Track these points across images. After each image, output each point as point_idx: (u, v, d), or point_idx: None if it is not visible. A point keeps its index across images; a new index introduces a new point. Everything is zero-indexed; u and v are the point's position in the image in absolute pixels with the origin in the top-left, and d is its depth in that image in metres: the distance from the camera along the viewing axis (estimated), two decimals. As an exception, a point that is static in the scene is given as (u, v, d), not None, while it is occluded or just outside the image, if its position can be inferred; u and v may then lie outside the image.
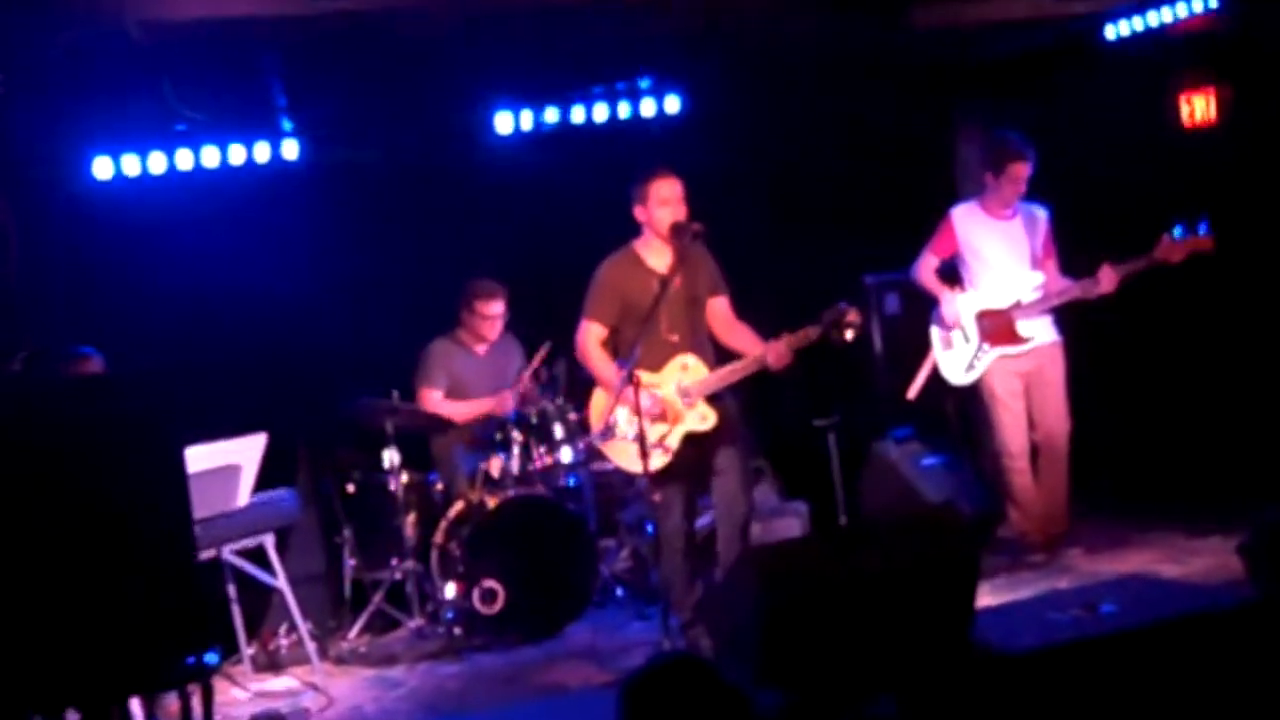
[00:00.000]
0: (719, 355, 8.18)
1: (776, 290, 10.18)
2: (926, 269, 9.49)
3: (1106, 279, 9.03)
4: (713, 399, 8.03)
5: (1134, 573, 8.35)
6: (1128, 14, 10.53)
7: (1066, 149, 10.28)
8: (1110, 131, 10.75)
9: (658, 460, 7.83)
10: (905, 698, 3.08)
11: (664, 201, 8.00)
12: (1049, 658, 6.37)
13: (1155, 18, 10.39)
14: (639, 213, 8.10)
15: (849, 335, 7.91)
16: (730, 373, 8.04)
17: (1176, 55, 10.61)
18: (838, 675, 6.08)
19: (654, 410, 7.86)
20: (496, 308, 9.74)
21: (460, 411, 9.65)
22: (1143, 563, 8.77)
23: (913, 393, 9.65)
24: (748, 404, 8.51)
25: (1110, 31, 10.70)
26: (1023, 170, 9.21)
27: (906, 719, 2.91)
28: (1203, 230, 8.90)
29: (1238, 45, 10.14)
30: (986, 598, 7.39)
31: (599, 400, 8.16)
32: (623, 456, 8.06)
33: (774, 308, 9.54)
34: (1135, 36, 10.59)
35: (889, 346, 10.71)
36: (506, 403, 9.59)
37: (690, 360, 8.05)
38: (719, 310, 8.21)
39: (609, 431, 7.97)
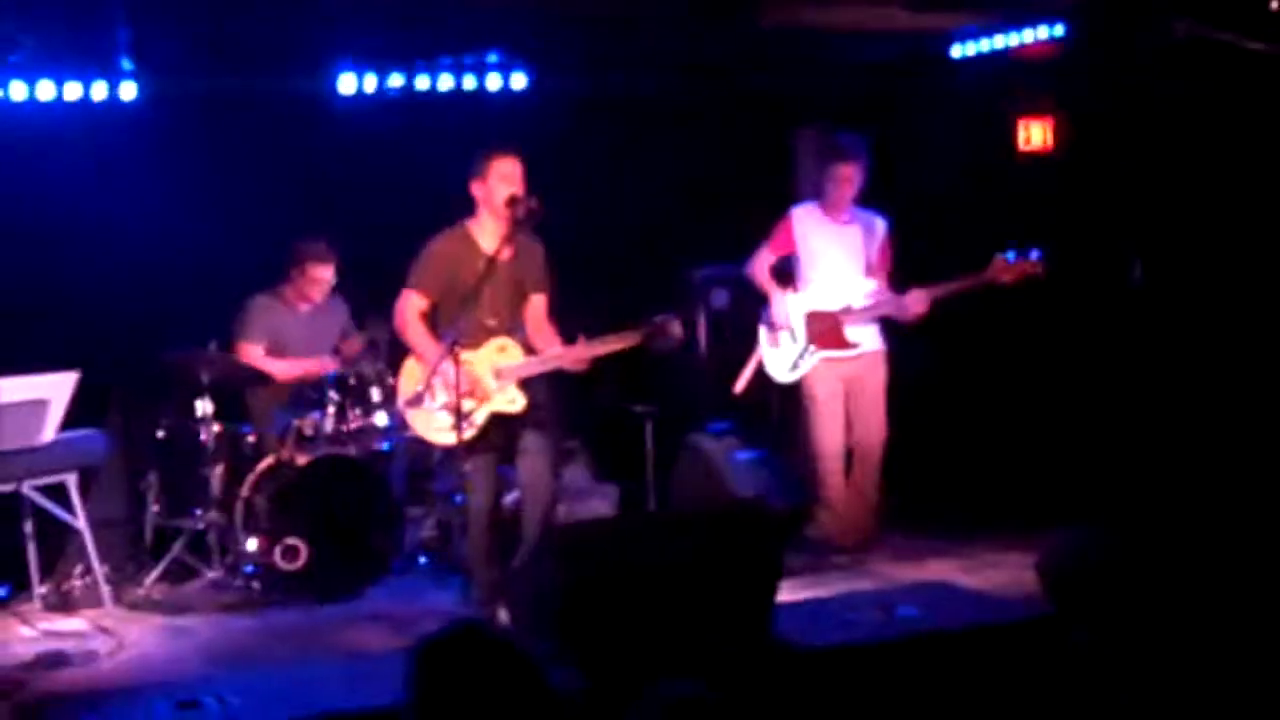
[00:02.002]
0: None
1: (608, 275, 10.21)
2: (761, 266, 9.54)
3: (914, 301, 9.15)
4: (523, 383, 8.04)
5: (933, 580, 8.48)
6: (975, 35, 10.66)
7: (906, 163, 10.40)
8: (949, 150, 10.89)
9: (463, 434, 7.81)
10: (706, 680, 3.10)
11: (504, 178, 7.96)
12: (845, 655, 6.45)
13: (1001, 40, 10.52)
14: (476, 188, 8.05)
15: (669, 346, 8.00)
16: (540, 363, 8.05)
17: (1017, 80, 10.75)
18: (635, 657, 6.11)
19: (464, 386, 7.83)
20: (327, 272, 9.66)
21: (281, 370, 9.55)
22: (943, 571, 8.88)
23: (739, 387, 9.70)
24: (566, 383, 8.52)
25: (956, 50, 10.82)
26: (846, 171, 9.28)
27: (705, 697, 2.94)
28: (1034, 255, 9.03)
29: (1077, 74, 10.28)
30: (789, 594, 7.45)
31: (411, 369, 8.14)
32: (425, 426, 8.06)
33: (604, 293, 9.60)
34: (980, 58, 10.74)
35: (714, 340, 10.74)
36: (328, 367, 9.53)
37: (507, 343, 8.06)
38: (535, 307, 8.23)
39: (417, 400, 7.94)
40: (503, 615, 7.82)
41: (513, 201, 7.88)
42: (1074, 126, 10.57)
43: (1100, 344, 10.20)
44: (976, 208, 10.50)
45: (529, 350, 8.11)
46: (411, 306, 8.10)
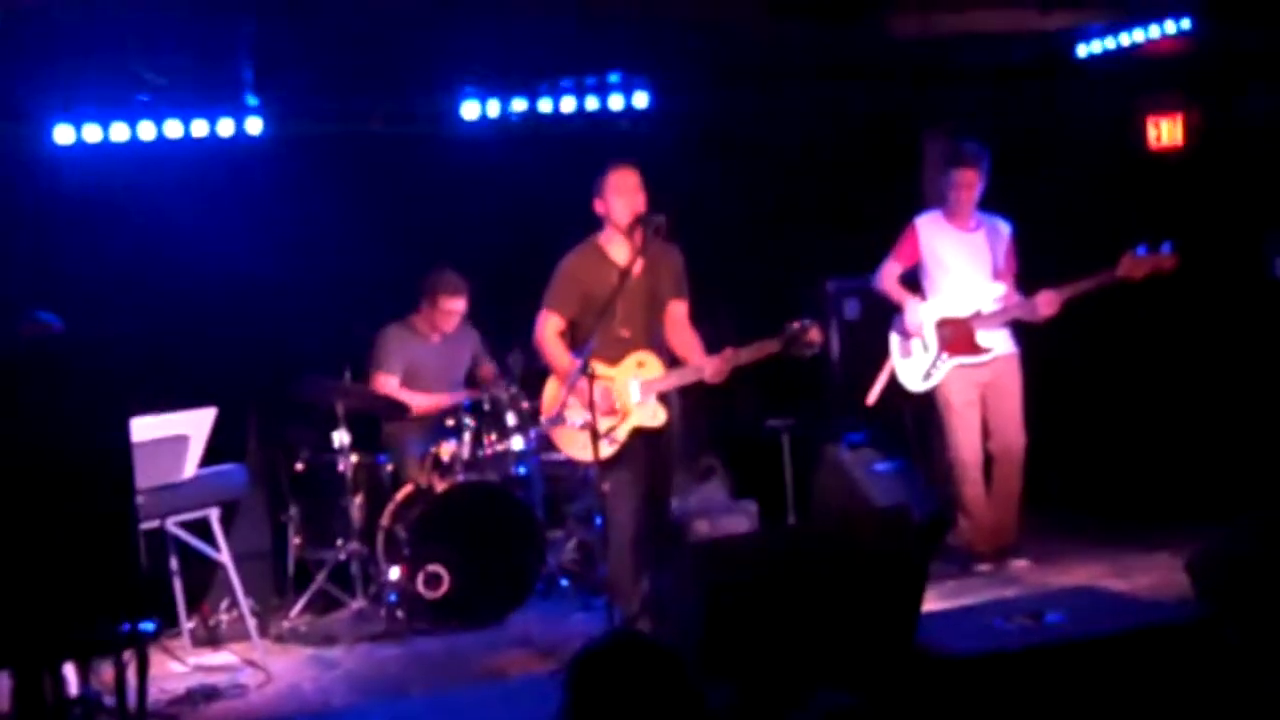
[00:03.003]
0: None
1: (738, 289, 10.17)
2: (889, 276, 9.49)
3: (1044, 303, 9.05)
4: (664, 397, 8.03)
5: (1080, 585, 8.36)
6: (1101, 33, 10.54)
7: (1034, 164, 10.29)
8: (1078, 149, 10.77)
9: (604, 451, 7.81)
10: (857, 692, 3.05)
11: (620, 192, 7.97)
12: (993, 663, 6.36)
13: (1127, 38, 10.39)
14: (599, 206, 8.06)
15: (808, 352, 7.94)
16: (681, 376, 8.03)
17: (1146, 77, 10.62)
18: (782, 671, 6.07)
19: (604, 403, 7.84)
20: (459, 304, 9.70)
21: (418, 403, 9.60)
22: (1089, 576, 8.76)
23: (871, 398, 9.65)
24: (702, 401, 8.51)
25: (1082, 50, 10.71)
26: (968, 177, 9.23)
27: (863, 710, 2.89)
28: (1166, 249, 8.91)
29: (1207, 69, 10.15)
30: (934, 603, 7.37)
31: (551, 388, 8.14)
32: (571, 445, 8.05)
33: (734, 307, 9.56)
34: (1107, 55, 10.61)
35: (847, 351, 10.68)
36: (461, 400, 9.55)
37: (647, 357, 8.04)
38: (676, 315, 8.19)
39: (558, 419, 7.94)
40: (646, 632, 7.79)
41: (637, 221, 7.88)
42: (1205, 121, 10.42)
43: (1239, 338, 10.06)
44: (1106, 207, 10.37)
45: (670, 363, 8.09)
46: (549, 326, 8.11)
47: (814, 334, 7.91)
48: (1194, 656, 6.15)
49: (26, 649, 5.65)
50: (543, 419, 8.21)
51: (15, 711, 5.82)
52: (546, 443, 8.84)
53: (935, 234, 9.40)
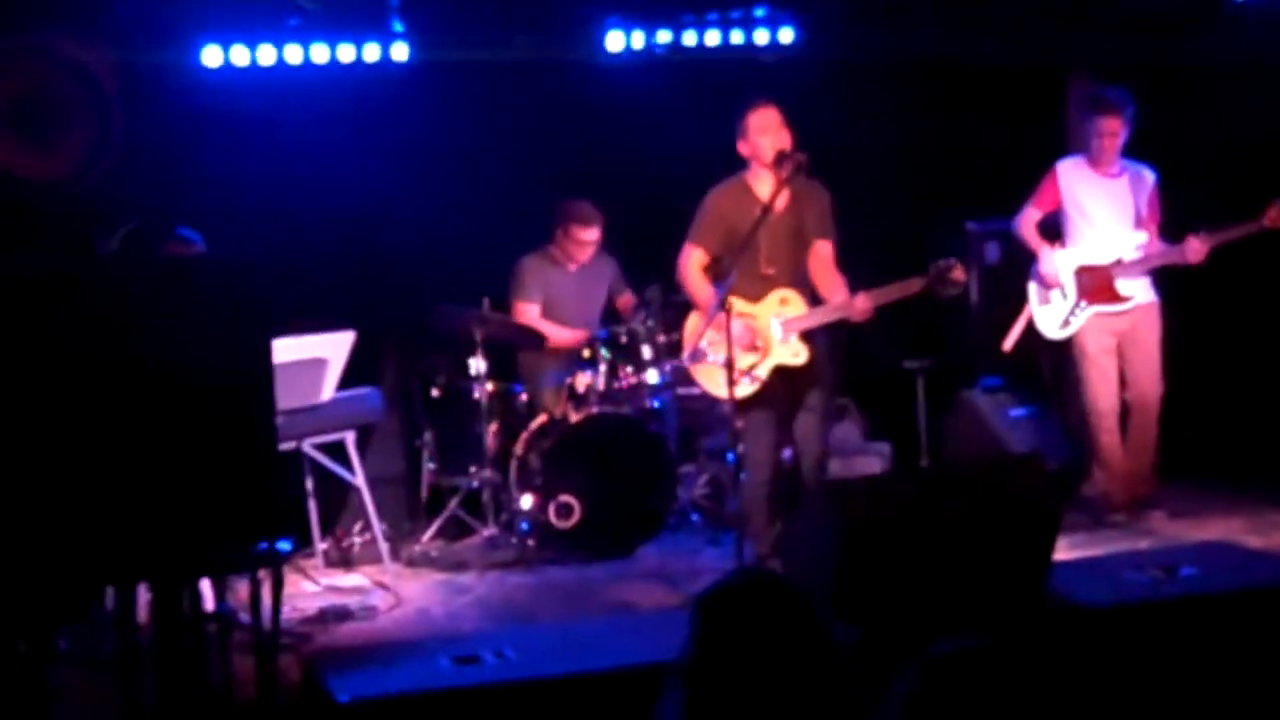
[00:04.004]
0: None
1: (879, 230, 10.09)
2: (1028, 222, 9.40)
3: (1193, 250, 8.94)
4: (806, 336, 7.99)
5: (1216, 540, 8.28)
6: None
7: (1189, 111, 10.12)
8: (1232, 98, 10.56)
9: (745, 389, 7.81)
10: (986, 636, 3.03)
11: (763, 130, 7.96)
12: (1124, 615, 6.34)
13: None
14: (742, 147, 8.06)
15: (952, 291, 7.92)
16: (823, 314, 7.99)
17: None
18: (910, 614, 6.06)
19: (745, 339, 7.84)
20: (592, 234, 9.71)
21: (556, 335, 9.63)
22: (1226, 531, 8.69)
23: (1008, 345, 9.58)
24: (838, 340, 8.47)
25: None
26: (1112, 125, 9.11)
27: (990, 653, 2.87)
28: (1314, 199, 8.78)
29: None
30: (1065, 552, 7.34)
31: (693, 323, 8.13)
32: (711, 381, 8.05)
33: (875, 247, 9.49)
34: (1263, 2, 10.39)
35: (986, 296, 10.57)
36: (598, 334, 9.58)
37: (790, 294, 8.03)
38: (821, 254, 8.16)
39: (699, 354, 7.95)
40: (777, 570, 7.79)
41: (780, 158, 7.85)
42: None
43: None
44: (1264, 153, 10.17)
45: (813, 301, 8.05)
46: (693, 261, 8.12)
47: (958, 273, 7.88)
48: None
49: (165, 564, 5.73)
50: (684, 353, 8.21)
51: (153, 624, 5.91)
52: (682, 376, 8.85)
53: (1077, 180, 9.29)
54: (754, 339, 7.91)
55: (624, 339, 9.35)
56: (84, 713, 6.50)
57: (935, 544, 6.29)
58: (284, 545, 5.98)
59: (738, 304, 7.70)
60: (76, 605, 6.47)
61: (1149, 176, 9.30)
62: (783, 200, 7.84)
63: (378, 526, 8.74)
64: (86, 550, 5.50)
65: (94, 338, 5.55)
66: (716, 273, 8.02)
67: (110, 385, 5.53)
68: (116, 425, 5.52)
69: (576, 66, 10.42)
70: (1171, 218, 9.28)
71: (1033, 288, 9.43)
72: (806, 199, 8.02)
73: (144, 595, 6.23)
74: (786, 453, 8.53)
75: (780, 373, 7.97)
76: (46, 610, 5.85)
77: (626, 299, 9.88)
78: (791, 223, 7.97)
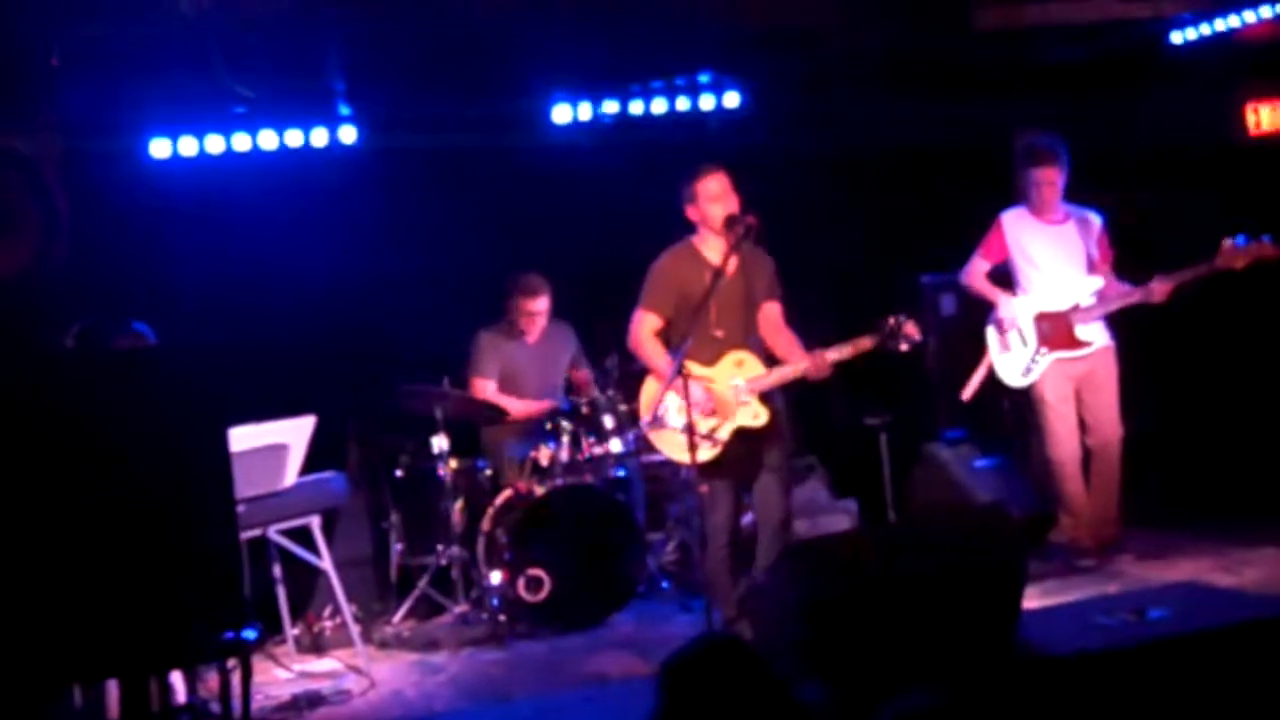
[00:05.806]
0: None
1: (832, 287, 10.13)
2: (977, 273, 9.45)
3: (1159, 289, 8.98)
4: (764, 397, 7.99)
5: (1185, 580, 8.28)
6: (1194, 20, 10.42)
7: (1129, 155, 10.19)
8: (1174, 139, 10.64)
9: (706, 453, 7.80)
10: (949, 690, 3.01)
11: (713, 198, 7.98)
12: (1095, 662, 6.31)
13: (1222, 24, 10.27)
14: (691, 213, 8.07)
15: (904, 347, 7.92)
16: (786, 373, 8.00)
17: (1244, 63, 10.50)
18: (879, 670, 6.04)
19: (705, 404, 7.83)
20: (540, 304, 9.73)
21: (515, 408, 9.65)
22: (1194, 571, 8.69)
23: (968, 394, 9.60)
24: (799, 400, 8.48)
25: (1176, 37, 10.59)
26: (1046, 174, 9.18)
27: (949, 707, 2.86)
28: (1266, 238, 8.83)
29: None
30: (1036, 600, 7.34)
31: (650, 389, 8.12)
32: (671, 447, 8.02)
33: (829, 305, 9.52)
34: (1202, 42, 10.49)
35: (944, 348, 10.61)
36: (559, 405, 9.59)
37: (744, 356, 8.02)
38: (771, 315, 8.16)
39: (658, 421, 7.94)
40: (745, 633, 7.77)
41: (730, 221, 7.87)
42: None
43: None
44: (1206, 195, 10.24)
45: (769, 362, 8.06)
46: (645, 326, 8.11)
47: (910, 328, 7.88)
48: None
49: (132, 657, 5.69)
50: (642, 420, 8.20)
51: (123, 719, 5.88)
52: (645, 444, 8.83)
53: (1022, 230, 9.34)
54: (714, 403, 7.90)
55: (585, 409, 9.36)
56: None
57: (901, 600, 6.27)
58: (249, 633, 5.95)
59: (694, 368, 7.71)
60: (37, 707, 6.42)
61: (1095, 220, 9.34)
62: (732, 264, 7.85)
63: (347, 609, 8.71)
64: (50, 649, 5.47)
65: (51, 434, 5.53)
66: (668, 338, 8.02)
67: (67, 481, 5.50)
68: (74, 521, 5.49)
69: (526, 141, 10.45)
70: (1128, 263, 9.30)
71: (991, 335, 9.45)
72: (754, 262, 8.03)
73: (112, 690, 6.19)
74: (747, 518, 8.52)
75: (740, 435, 7.96)
76: (8, 714, 5.81)
77: (583, 374, 9.83)
78: (742, 285, 7.97)
